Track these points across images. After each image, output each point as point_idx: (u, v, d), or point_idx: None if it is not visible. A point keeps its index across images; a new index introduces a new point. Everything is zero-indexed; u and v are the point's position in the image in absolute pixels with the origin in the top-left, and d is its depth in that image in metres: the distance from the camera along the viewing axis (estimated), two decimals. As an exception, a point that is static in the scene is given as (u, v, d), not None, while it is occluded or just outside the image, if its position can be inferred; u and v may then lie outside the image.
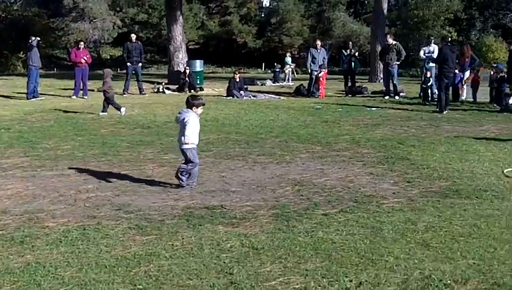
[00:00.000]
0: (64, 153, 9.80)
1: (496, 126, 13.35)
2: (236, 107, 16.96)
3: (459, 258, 4.96)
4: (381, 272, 4.64)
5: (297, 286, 4.41)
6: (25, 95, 18.98)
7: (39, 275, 4.59)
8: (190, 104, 7.53)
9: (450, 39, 20.33)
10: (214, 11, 51.62)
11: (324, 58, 21.39)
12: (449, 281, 4.47)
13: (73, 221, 6.00)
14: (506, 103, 16.04)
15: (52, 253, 5.08)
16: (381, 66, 22.80)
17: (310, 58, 21.08)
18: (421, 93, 19.63)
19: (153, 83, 24.17)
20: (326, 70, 21.69)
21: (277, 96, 21.41)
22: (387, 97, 20.01)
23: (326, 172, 8.44)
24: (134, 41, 21.55)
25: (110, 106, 14.90)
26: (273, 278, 4.53)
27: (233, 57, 46.97)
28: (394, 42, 20.51)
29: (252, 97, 20.90)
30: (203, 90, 23.36)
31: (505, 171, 8.41)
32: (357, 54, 23.60)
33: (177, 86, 23.17)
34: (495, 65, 20.09)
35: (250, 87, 23.56)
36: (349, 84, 22.44)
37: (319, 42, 21.81)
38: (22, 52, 36.76)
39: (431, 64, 19.39)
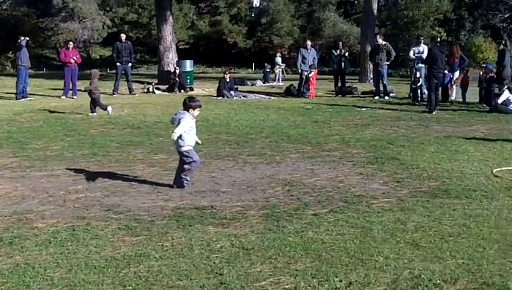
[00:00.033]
0: (53, 154, 9.76)
1: (485, 126, 13.41)
2: (226, 107, 16.95)
3: (448, 258, 4.97)
4: (371, 272, 4.65)
5: (287, 286, 4.41)
6: (14, 95, 18.91)
7: (28, 276, 4.56)
8: (187, 105, 7.50)
9: (439, 39, 20.36)
10: (204, 11, 51.59)
11: (314, 58, 21.45)
12: (438, 281, 4.49)
13: (62, 222, 5.98)
14: (495, 103, 16.11)
15: (41, 254, 5.06)
16: (371, 66, 22.91)
17: (300, 59, 21.13)
18: (411, 94, 19.70)
19: (142, 83, 24.15)
20: (317, 71, 21.73)
21: (267, 97, 21.43)
22: (377, 97, 20.08)
23: (316, 172, 8.45)
24: (124, 41, 21.52)
25: (98, 104, 14.88)
26: (263, 279, 4.53)
27: (224, 57, 46.98)
28: (384, 42, 20.59)
29: (242, 97, 20.91)
30: (193, 90, 23.35)
31: (494, 171, 8.44)
32: (347, 54, 23.65)
33: (167, 86, 23.17)
34: (484, 65, 20.18)
35: (240, 88, 23.57)
36: (339, 84, 22.49)
37: (309, 42, 21.86)
38: (11, 52, 36.61)
39: (420, 64, 19.45)
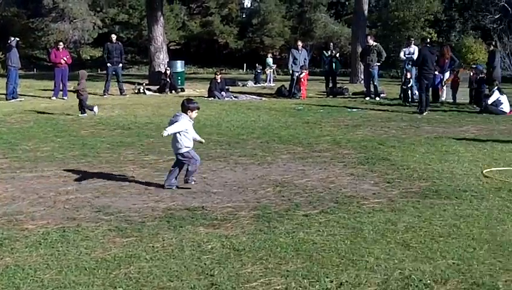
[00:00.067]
0: (43, 155, 9.73)
1: (476, 127, 13.46)
2: (217, 108, 16.94)
3: (438, 258, 4.99)
4: (361, 273, 4.66)
5: (278, 287, 4.41)
6: (4, 96, 18.81)
7: (18, 278, 4.54)
8: (185, 107, 7.50)
9: (428, 40, 20.45)
10: (195, 12, 51.53)
11: (305, 59, 21.48)
12: (429, 281, 4.50)
13: (52, 223, 5.95)
14: (486, 103, 16.18)
15: (31, 255, 5.03)
16: (362, 67, 22.93)
17: (291, 59, 21.16)
18: (401, 94, 19.75)
19: (133, 83, 24.08)
20: (308, 72, 21.76)
21: (258, 97, 21.43)
22: (367, 98, 20.12)
23: (307, 173, 8.46)
24: (114, 41, 21.46)
25: (89, 106, 14.85)
26: (254, 279, 4.53)
27: (215, 57, 46.94)
28: (375, 43, 20.62)
29: (234, 98, 20.90)
30: (184, 91, 23.33)
31: (484, 171, 8.48)
32: (338, 55, 23.71)
33: (158, 86, 23.11)
34: (474, 66, 20.27)
35: (231, 88, 23.56)
36: (330, 85, 22.53)
37: (300, 43, 21.88)
38: (1, 53, 36.40)
39: (411, 65, 19.52)
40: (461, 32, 42.65)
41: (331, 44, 25.46)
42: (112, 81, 21.45)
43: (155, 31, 26.08)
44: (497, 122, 14.27)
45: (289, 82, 21.69)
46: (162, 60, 25.91)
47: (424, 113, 15.69)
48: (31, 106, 16.91)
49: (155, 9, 26.29)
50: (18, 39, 19.52)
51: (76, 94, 14.94)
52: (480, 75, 18.03)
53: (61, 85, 19.70)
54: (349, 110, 16.85)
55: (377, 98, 20.02)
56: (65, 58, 19.87)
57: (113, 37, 21.92)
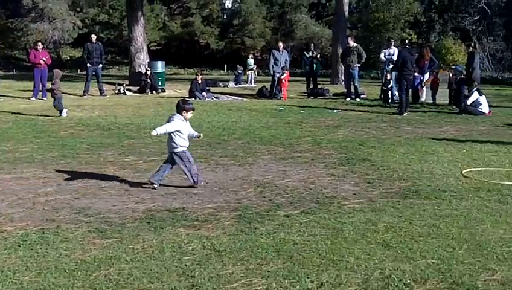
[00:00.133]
0: (22, 156, 9.65)
1: (455, 127, 13.57)
2: (198, 109, 16.82)
3: (418, 258, 5.02)
4: (342, 273, 4.67)
5: (259, 288, 4.41)
6: (-18, 97, 18.64)
7: (-4, 280, 4.50)
8: (180, 108, 7.54)
9: (407, 42, 20.56)
10: (175, 12, 51.40)
11: (286, 60, 21.51)
12: (409, 281, 4.52)
13: (32, 225, 5.91)
14: (465, 104, 16.31)
15: (10, 257, 4.99)
16: (343, 68, 23.00)
17: (272, 60, 21.19)
18: (382, 95, 19.84)
19: (113, 84, 23.97)
20: (289, 72, 21.79)
21: (240, 98, 21.42)
22: (348, 99, 20.19)
23: (288, 173, 8.47)
24: (94, 42, 21.33)
25: (60, 107, 14.79)
26: (235, 280, 4.52)
27: (196, 58, 46.84)
28: (355, 44, 20.70)
29: (215, 99, 20.87)
30: (164, 91, 23.26)
31: (463, 171, 8.54)
32: (318, 56, 23.79)
33: (138, 87, 23.03)
34: (454, 67, 20.41)
35: (212, 89, 23.51)
36: (311, 86, 22.58)
37: (281, 44, 21.92)
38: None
39: (391, 66, 19.61)
40: (441, 34, 42.95)
41: (312, 45, 25.50)
42: (92, 82, 21.32)
43: (135, 31, 25.96)
44: (476, 123, 14.40)
45: (270, 83, 21.71)
46: (142, 61, 25.80)
47: (404, 114, 15.78)
48: (10, 107, 16.76)
49: (135, 9, 26.17)
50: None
51: (51, 93, 14.87)
52: (460, 76, 18.17)
53: (40, 86, 19.55)
54: (330, 111, 16.91)
55: (358, 99, 20.10)
56: (44, 59, 19.73)
57: (93, 37, 21.79)
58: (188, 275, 4.63)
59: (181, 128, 7.45)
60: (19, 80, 26.98)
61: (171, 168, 7.68)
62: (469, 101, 16.25)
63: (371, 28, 40.00)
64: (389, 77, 19.18)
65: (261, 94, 21.96)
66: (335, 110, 16.94)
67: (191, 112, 7.62)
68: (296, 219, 6.15)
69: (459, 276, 4.62)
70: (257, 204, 6.78)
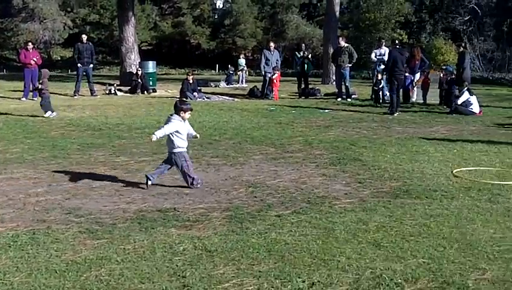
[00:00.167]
0: (13, 156, 9.61)
1: (445, 127, 13.62)
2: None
3: (409, 257, 5.03)
4: (333, 272, 4.68)
5: (250, 288, 4.41)
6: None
7: (-14, 281, 4.48)
8: (178, 108, 7.59)
9: (397, 42, 20.63)
10: (166, 12, 51.26)
11: (277, 60, 21.53)
12: (400, 280, 4.53)
13: (22, 225, 5.88)
14: (455, 104, 16.36)
15: (0, 258, 4.97)
16: (334, 68, 23.02)
17: (263, 60, 21.19)
18: (373, 95, 19.89)
19: (104, 84, 23.92)
20: (280, 73, 21.80)
21: (231, 98, 21.42)
22: (339, 99, 20.22)
23: (279, 173, 8.48)
24: (85, 42, 21.28)
25: (47, 105, 14.75)
26: (226, 281, 4.52)
27: (187, 58, 46.72)
28: (346, 45, 20.73)
29: (206, 99, 20.85)
30: (155, 91, 23.23)
31: (454, 171, 8.57)
32: (310, 56, 23.79)
33: (129, 87, 22.99)
34: (444, 67, 20.47)
35: (203, 89, 23.49)
36: (303, 86, 22.59)
37: (272, 44, 21.95)
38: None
39: (382, 66, 19.66)
40: (431, 34, 43.06)
41: (303, 45, 25.46)
42: (83, 82, 21.26)
43: (126, 31, 25.90)
44: (467, 123, 14.45)
45: (261, 83, 21.72)
46: (133, 61, 25.74)
47: (395, 114, 15.82)
48: (0, 107, 16.68)
49: (126, 9, 26.10)
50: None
51: (38, 93, 14.83)
52: (451, 76, 18.23)
53: (31, 86, 19.47)
54: (321, 111, 16.93)
55: (349, 99, 20.12)
56: (35, 59, 19.66)
57: (84, 37, 21.73)
58: (179, 275, 4.62)
59: (179, 129, 7.48)
60: (9, 80, 26.88)
61: (168, 169, 7.69)
62: (459, 101, 16.31)
63: (361, 28, 40.10)
64: (380, 77, 19.22)
65: (252, 94, 21.96)
66: (326, 110, 16.96)
67: (189, 112, 7.66)
68: (287, 219, 6.15)
69: (450, 275, 4.64)
70: (248, 204, 6.78)
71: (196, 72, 35.54)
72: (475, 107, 16.25)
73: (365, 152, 10.15)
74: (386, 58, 19.15)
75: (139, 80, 22.63)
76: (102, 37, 46.05)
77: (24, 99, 19.19)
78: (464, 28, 39.17)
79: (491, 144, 11.01)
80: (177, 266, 4.81)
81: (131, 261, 4.92)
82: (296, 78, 23.98)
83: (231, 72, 30.16)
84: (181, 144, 7.53)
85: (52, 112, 14.79)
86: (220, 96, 22.05)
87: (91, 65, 21.39)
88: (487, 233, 5.71)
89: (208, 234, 5.64)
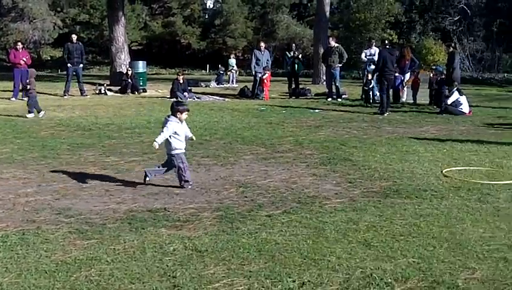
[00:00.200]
0: (2, 157, 9.56)
1: (435, 127, 13.66)
2: (180, 109, 16.83)
3: (399, 257, 5.04)
4: (323, 272, 4.68)
5: (240, 288, 4.41)
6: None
7: (-25, 282, 4.46)
8: (174, 109, 7.62)
9: (387, 42, 20.66)
10: (156, 12, 51.20)
11: (268, 60, 21.52)
12: (390, 280, 4.54)
13: (12, 226, 5.85)
14: (445, 104, 16.42)
15: (-11, 259, 4.95)
16: (324, 68, 23.06)
17: (254, 60, 21.19)
18: (363, 95, 19.93)
19: (94, 84, 23.85)
20: (270, 72, 21.80)
21: (221, 98, 21.40)
22: (329, 99, 20.24)
23: (270, 173, 8.48)
24: (75, 41, 21.22)
25: (34, 106, 14.70)
26: (217, 281, 4.52)
27: (177, 58, 46.68)
28: (336, 45, 20.76)
29: (196, 99, 20.84)
30: (146, 91, 23.19)
31: (443, 171, 8.60)
32: (300, 56, 23.81)
33: (119, 87, 22.93)
34: (434, 67, 20.53)
35: (194, 89, 23.48)
36: (293, 86, 22.61)
37: (262, 44, 21.94)
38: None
39: (372, 66, 19.69)
40: (421, 34, 43.19)
41: (294, 45, 25.51)
42: (73, 82, 21.20)
43: (116, 31, 25.85)
44: (457, 123, 14.51)
45: (252, 83, 21.71)
46: (123, 61, 25.69)
47: (385, 114, 15.86)
48: (-11, 107, 16.61)
49: (116, 9, 26.05)
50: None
51: (25, 92, 14.79)
52: (441, 76, 18.28)
53: (20, 86, 19.38)
54: (311, 111, 16.95)
55: (339, 99, 20.16)
56: (24, 59, 19.57)
57: (74, 37, 21.66)
58: (169, 275, 4.61)
59: (177, 130, 7.49)
60: (-1, 80, 26.75)
61: (164, 173, 7.68)
62: (449, 101, 16.37)
63: (352, 28, 40.12)
64: (370, 77, 19.26)
65: (242, 94, 21.95)
66: (317, 110, 16.98)
67: (186, 112, 7.68)
68: (277, 219, 6.15)
69: (440, 275, 4.65)
70: (239, 204, 6.78)
71: (186, 72, 35.53)
72: (465, 107, 16.32)
73: (355, 152, 10.17)
74: (376, 58, 19.19)
75: (129, 80, 22.58)
76: (92, 37, 45.94)
77: (14, 99, 19.10)
78: (454, 28, 39.27)
79: (481, 144, 11.05)
80: (167, 266, 4.80)
81: (121, 261, 4.90)
82: (286, 78, 23.99)
83: (221, 72, 30.14)
84: (179, 146, 7.53)
85: (39, 111, 14.72)
86: (210, 96, 22.04)
87: (81, 65, 21.33)
88: (477, 233, 5.73)
89: (198, 234, 5.63)
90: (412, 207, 6.66)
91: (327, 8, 29.60)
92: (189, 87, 21.93)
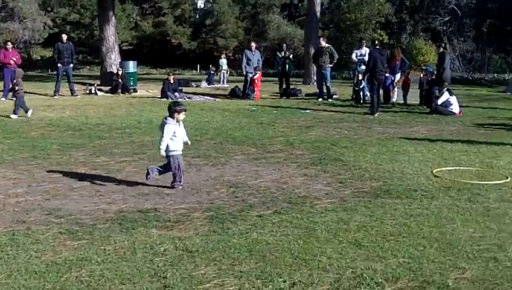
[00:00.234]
0: (-8, 157, 9.52)
1: (426, 127, 13.70)
2: (170, 109, 16.81)
3: (389, 257, 5.05)
4: (314, 272, 4.69)
5: (231, 288, 4.40)
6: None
7: (-35, 283, 4.44)
8: (172, 110, 7.55)
9: (377, 42, 20.72)
10: (147, 12, 51.15)
11: (259, 60, 21.52)
12: (380, 280, 4.55)
13: (2, 226, 5.82)
14: (435, 104, 16.47)
15: (-21, 260, 4.92)
16: (315, 68, 23.08)
17: (244, 60, 21.18)
18: (353, 96, 19.97)
19: (85, 84, 23.79)
20: (261, 73, 21.81)
21: (212, 98, 21.39)
22: (320, 99, 20.27)
23: (261, 174, 8.48)
24: (65, 41, 21.14)
25: (21, 106, 14.65)
26: (207, 281, 4.51)
27: (168, 58, 46.65)
28: (327, 45, 20.78)
29: (187, 99, 20.79)
30: (136, 91, 23.15)
31: (434, 171, 8.63)
32: (291, 56, 23.82)
33: (109, 87, 22.88)
34: (425, 68, 20.61)
35: (185, 89, 23.45)
36: (284, 86, 22.61)
37: (253, 44, 21.94)
38: None
39: (363, 67, 19.73)
40: (412, 34, 43.34)
41: (285, 45, 25.55)
42: (63, 82, 21.11)
43: (107, 31, 25.78)
44: (447, 123, 14.56)
45: (243, 83, 21.71)
46: (114, 61, 25.63)
47: (376, 114, 15.89)
48: (-22, 107, 16.53)
49: (107, 9, 25.98)
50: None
51: (13, 93, 14.73)
52: (431, 77, 18.34)
53: (10, 86, 19.29)
54: (302, 111, 16.96)
55: (330, 100, 20.19)
56: (14, 59, 19.50)
57: (64, 36, 21.59)
58: (160, 276, 4.61)
59: (176, 130, 7.46)
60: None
61: (159, 174, 7.66)
62: (440, 101, 16.42)
63: (342, 28, 40.26)
64: (360, 77, 19.29)
65: (233, 94, 21.95)
66: (307, 111, 16.99)
67: (183, 113, 7.63)
68: (268, 219, 6.15)
69: (430, 275, 4.67)
70: (230, 204, 6.78)
71: (177, 72, 35.47)
72: (455, 108, 16.37)
73: (346, 152, 10.18)
74: (366, 58, 19.22)
75: (120, 80, 22.53)
76: (82, 37, 45.83)
77: (4, 99, 19.01)
78: (444, 28, 39.46)
79: (471, 144, 11.09)
80: (158, 266, 4.80)
81: (111, 262, 4.89)
82: (277, 79, 24.00)
83: (212, 72, 30.12)
84: (175, 147, 7.50)
85: (27, 111, 14.67)
86: (201, 96, 22.02)
87: (71, 65, 21.26)
88: (467, 232, 5.75)
89: (189, 234, 5.62)
90: (402, 207, 6.67)
91: (318, 9, 29.64)
92: (180, 87, 21.89)
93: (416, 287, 4.45)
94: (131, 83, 23.59)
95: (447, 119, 15.20)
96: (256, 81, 20.89)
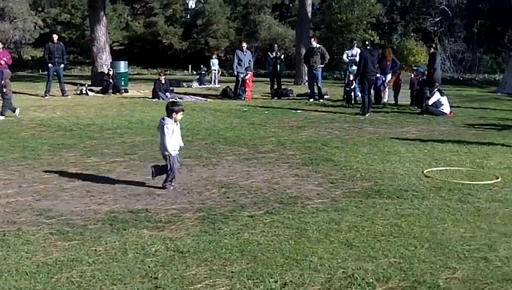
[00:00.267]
0: (-18, 157, 9.48)
1: (417, 128, 13.74)
2: (162, 109, 16.70)
3: (381, 257, 5.07)
4: (305, 272, 4.69)
5: (222, 289, 4.40)
6: None
7: (-45, 284, 4.41)
8: (170, 110, 7.55)
9: (368, 43, 20.74)
10: (138, 12, 50.98)
11: (250, 60, 21.53)
12: (371, 280, 4.56)
13: (-9, 227, 5.81)
14: (426, 104, 16.52)
15: (-31, 261, 4.90)
16: (306, 69, 23.10)
17: (236, 61, 21.18)
18: (345, 96, 20.00)
19: (75, 84, 23.72)
20: (252, 73, 21.81)
21: (203, 99, 21.38)
22: (311, 100, 20.30)
23: (252, 174, 8.48)
24: (56, 41, 21.08)
25: (9, 106, 14.61)
26: (199, 281, 4.51)
27: (159, 58, 46.53)
28: (318, 45, 20.81)
29: (178, 99, 20.72)
30: (127, 92, 23.10)
31: (425, 171, 8.65)
32: (282, 56, 23.81)
33: (100, 87, 22.83)
34: (416, 68, 20.65)
35: (176, 89, 23.43)
36: (275, 86, 22.62)
37: (245, 44, 21.96)
38: None
39: (354, 67, 19.76)
40: (403, 35, 43.40)
41: (276, 46, 25.50)
42: (54, 82, 21.05)
43: (97, 31, 25.71)
44: (438, 123, 14.60)
45: (234, 83, 21.71)
46: (104, 61, 25.56)
47: (367, 115, 15.93)
48: (-32, 107, 16.44)
49: (97, 9, 25.90)
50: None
51: (1, 94, 14.67)
52: (422, 77, 18.39)
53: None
54: (293, 111, 16.98)
55: (321, 100, 20.22)
56: (5, 59, 19.39)
57: (55, 37, 21.52)
58: (151, 276, 4.60)
59: (174, 130, 7.45)
60: (-22, 80, 26.47)
61: (159, 175, 7.67)
62: (430, 102, 16.47)
63: (334, 29, 40.25)
64: (352, 77, 19.32)
65: (225, 95, 21.94)
66: (299, 111, 17.01)
67: (181, 112, 7.63)
68: (260, 219, 6.15)
69: (421, 275, 4.68)
70: (221, 205, 6.77)
71: (168, 72, 35.36)
72: (446, 108, 16.43)
73: (337, 152, 10.20)
74: (357, 59, 19.25)
75: (111, 80, 22.48)
76: (73, 37, 45.64)
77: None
78: (435, 29, 39.57)
79: (462, 144, 11.14)
80: (149, 267, 4.79)
81: (102, 262, 4.88)
82: (268, 79, 24.01)
83: (204, 72, 30.08)
84: (174, 147, 7.50)
85: (14, 110, 14.62)
86: (192, 96, 21.99)
87: (62, 65, 21.21)
88: (457, 232, 5.77)
89: (180, 235, 5.62)
90: (393, 207, 6.69)
91: (309, 9, 29.67)
92: (171, 88, 21.87)
93: (407, 287, 4.46)
94: (122, 83, 23.54)
95: (438, 120, 15.25)
96: (248, 82, 20.91)
